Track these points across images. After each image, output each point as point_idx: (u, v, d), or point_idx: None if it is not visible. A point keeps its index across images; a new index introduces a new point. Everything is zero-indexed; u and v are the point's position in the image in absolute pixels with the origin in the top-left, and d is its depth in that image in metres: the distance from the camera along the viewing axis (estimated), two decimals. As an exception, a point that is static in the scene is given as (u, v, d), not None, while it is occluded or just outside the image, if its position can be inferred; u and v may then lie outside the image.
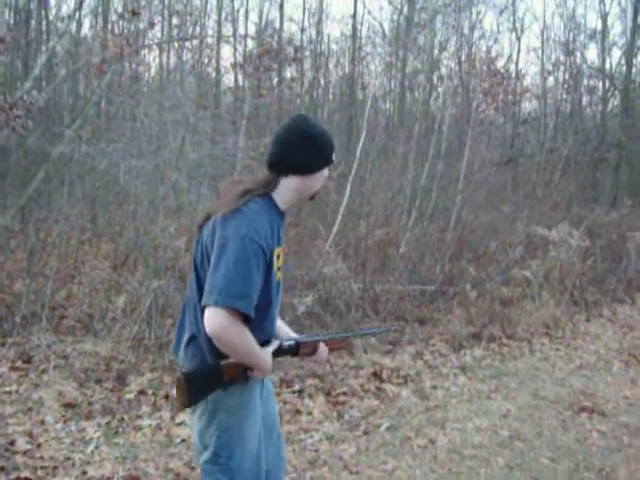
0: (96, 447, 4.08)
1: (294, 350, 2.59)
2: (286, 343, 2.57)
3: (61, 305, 6.37)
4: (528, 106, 19.67)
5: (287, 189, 2.46)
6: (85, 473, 3.74)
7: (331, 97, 16.83)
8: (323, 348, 2.64)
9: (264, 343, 2.45)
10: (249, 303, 2.28)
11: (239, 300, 2.25)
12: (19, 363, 5.24)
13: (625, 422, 5.18)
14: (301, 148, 2.43)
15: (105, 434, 4.26)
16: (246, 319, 2.31)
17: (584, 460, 4.45)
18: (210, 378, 2.39)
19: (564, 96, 18.93)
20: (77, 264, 7.26)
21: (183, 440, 4.24)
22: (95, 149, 6.93)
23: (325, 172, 2.54)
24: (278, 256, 2.42)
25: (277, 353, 2.53)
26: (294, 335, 2.71)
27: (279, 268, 2.46)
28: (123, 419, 4.48)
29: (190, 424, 2.62)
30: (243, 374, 2.42)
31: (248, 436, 2.51)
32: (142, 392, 4.79)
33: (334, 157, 2.55)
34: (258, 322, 2.36)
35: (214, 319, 2.24)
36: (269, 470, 2.67)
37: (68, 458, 3.90)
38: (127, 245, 7.35)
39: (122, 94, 9.37)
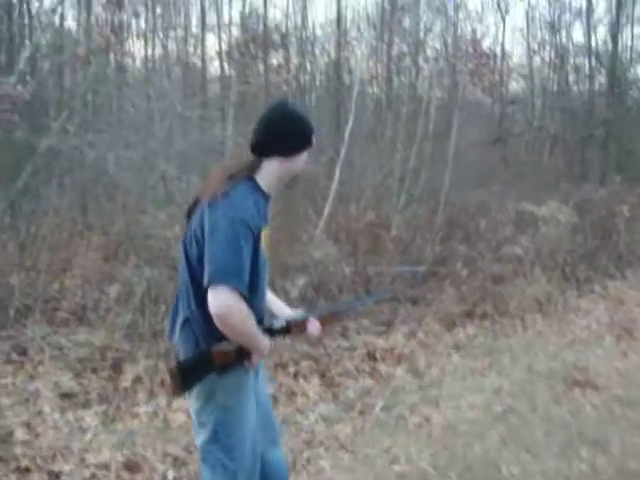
0: (94, 435, 4.11)
1: (286, 330, 2.64)
2: (277, 324, 2.62)
3: (54, 297, 6.33)
4: (515, 86, 19.66)
5: (269, 171, 2.53)
6: (84, 460, 3.77)
7: (318, 83, 16.75)
8: (314, 324, 2.69)
9: (257, 322, 2.49)
10: (243, 282, 2.34)
11: (235, 279, 2.31)
12: (14, 356, 5.20)
13: (617, 394, 5.24)
14: (282, 130, 2.52)
15: (102, 422, 4.28)
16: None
17: (578, 433, 4.51)
18: (201, 365, 2.45)
19: (551, 75, 18.89)
20: (69, 256, 7.24)
21: (180, 426, 4.27)
22: (82, 141, 6.90)
23: (305, 155, 2.60)
24: (265, 235, 2.47)
25: (270, 334, 2.58)
26: (288, 310, 2.77)
27: (266, 246, 2.51)
28: (120, 407, 4.50)
29: (188, 407, 2.67)
30: (236, 359, 2.46)
31: (245, 416, 2.56)
32: (138, 380, 4.79)
33: (314, 140, 2.61)
34: (250, 301, 2.40)
35: (219, 298, 2.29)
36: (264, 449, 2.73)
37: (66, 446, 3.92)
38: (118, 236, 7.33)
39: (108, 85, 9.33)
